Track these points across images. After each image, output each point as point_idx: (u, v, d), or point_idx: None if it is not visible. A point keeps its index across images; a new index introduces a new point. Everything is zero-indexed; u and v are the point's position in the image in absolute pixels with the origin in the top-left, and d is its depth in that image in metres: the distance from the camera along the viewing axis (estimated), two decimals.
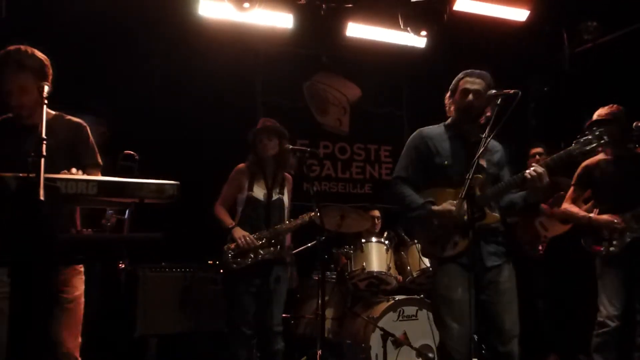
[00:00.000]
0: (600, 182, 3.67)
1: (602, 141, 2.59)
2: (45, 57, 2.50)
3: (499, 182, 2.72)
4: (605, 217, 3.54)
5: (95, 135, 2.69)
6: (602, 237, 3.55)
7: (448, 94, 2.90)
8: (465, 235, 2.59)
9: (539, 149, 4.74)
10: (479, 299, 2.58)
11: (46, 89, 2.13)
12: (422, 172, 2.84)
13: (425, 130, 2.90)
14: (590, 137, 2.60)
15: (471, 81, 2.77)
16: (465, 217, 2.55)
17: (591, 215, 3.60)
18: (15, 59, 2.37)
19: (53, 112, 2.58)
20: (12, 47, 2.41)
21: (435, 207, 2.69)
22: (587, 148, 2.60)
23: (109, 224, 2.43)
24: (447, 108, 2.94)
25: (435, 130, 2.89)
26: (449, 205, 2.65)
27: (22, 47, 2.43)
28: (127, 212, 2.41)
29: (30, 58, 2.41)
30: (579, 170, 3.77)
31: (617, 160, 3.65)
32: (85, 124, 2.64)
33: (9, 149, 2.34)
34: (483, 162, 2.70)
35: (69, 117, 2.62)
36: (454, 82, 2.87)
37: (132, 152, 2.65)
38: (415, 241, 4.50)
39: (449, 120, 2.91)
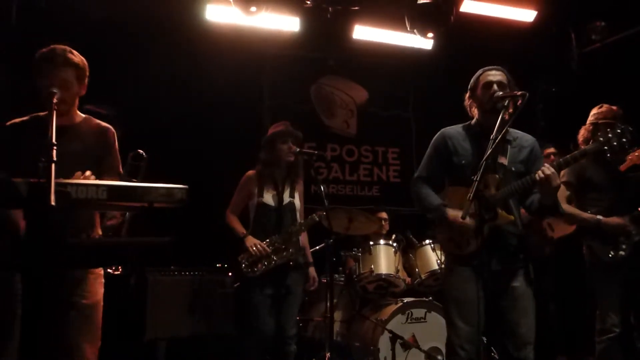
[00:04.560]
0: (591, 183, 3.54)
1: (624, 140, 2.51)
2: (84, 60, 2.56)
3: None
4: (616, 219, 3.41)
5: None
6: (607, 241, 3.40)
7: (468, 94, 2.85)
8: (478, 236, 2.55)
9: (552, 149, 4.70)
10: (497, 304, 2.58)
11: (56, 95, 2.16)
12: (442, 171, 2.85)
13: (447, 130, 2.89)
14: (610, 135, 2.54)
15: (492, 74, 2.75)
16: (476, 218, 2.53)
17: (600, 217, 3.44)
18: (62, 54, 2.43)
19: (83, 115, 2.60)
20: (57, 45, 2.47)
21: (448, 212, 2.68)
22: (606, 147, 2.54)
23: (108, 223, 2.45)
24: (468, 110, 2.89)
25: (457, 129, 2.87)
26: (457, 212, 2.61)
27: (67, 47, 2.48)
28: (126, 214, 2.43)
29: (75, 56, 2.48)
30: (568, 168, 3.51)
31: (603, 160, 3.51)
32: (113, 130, 2.65)
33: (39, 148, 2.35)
34: (504, 161, 2.67)
35: (97, 121, 2.64)
36: (472, 80, 2.82)
37: (141, 152, 2.65)
38: (424, 242, 4.52)
39: (473, 121, 2.87)
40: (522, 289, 2.65)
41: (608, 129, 2.59)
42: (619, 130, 2.54)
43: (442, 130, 2.91)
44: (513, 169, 2.71)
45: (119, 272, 3.57)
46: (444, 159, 2.82)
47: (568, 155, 2.62)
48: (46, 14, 4.48)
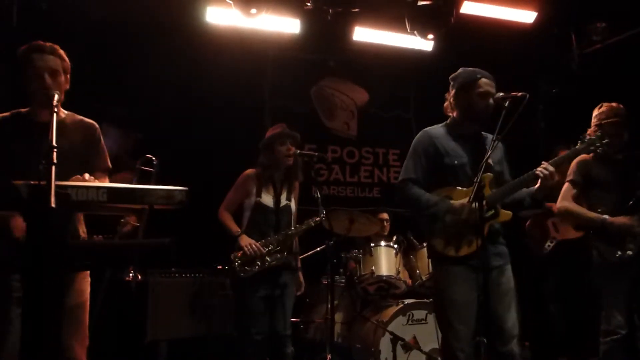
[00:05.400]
0: (597, 182, 3.52)
1: (605, 141, 2.81)
2: None
3: (502, 179, 2.77)
4: (622, 219, 3.35)
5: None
6: (613, 241, 3.36)
7: (455, 91, 2.84)
8: (478, 235, 2.57)
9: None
10: (480, 300, 2.59)
11: (56, 97, 2.16)
12: (432, 172, 2.83)
13: (430, 131, 2.89)
14: (593, 137, 2.81)
15: (491, 84, 2.76)
16: (478, 216, 2.54)
17: (606, 217, 3.38)
18: (49, 45, 2.48)
19: (65, 112, 2.59)
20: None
21: (454, 202, 2.67)
22: (592, 148, 2.82)
23: (123, 229, 2.45)
24: (449, 103, 2.90)
25: (438, 130, 2.89)
26: (465, 202, 2.62)
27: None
28: (143, 220, 2.43)
29: (60, 50, 2.51)
30: (574, 166, 3.55)
31: (609, 159, 3.52)
32: (97, 126, 2.64)
33: (23, 146, 2.35)
34: (490, 161, 2.69)
35: (81, 117, 2.63)
36: (466, 77, 2.80)
37: (150, 156, 2.64)
38: (425, 243, 4.49)
39: (449, 120, 2.91)
40: (507, 285, 2.72)
41: (587, 130, 2.94)
42: (599, 133, 2.92)
43: (425, 130, 2.91)
44: (496, 169, 2.79)
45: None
46: (434, 160, 2.81)
47: (563, 154, 2.81)
48: (46, 14, 4.48)
